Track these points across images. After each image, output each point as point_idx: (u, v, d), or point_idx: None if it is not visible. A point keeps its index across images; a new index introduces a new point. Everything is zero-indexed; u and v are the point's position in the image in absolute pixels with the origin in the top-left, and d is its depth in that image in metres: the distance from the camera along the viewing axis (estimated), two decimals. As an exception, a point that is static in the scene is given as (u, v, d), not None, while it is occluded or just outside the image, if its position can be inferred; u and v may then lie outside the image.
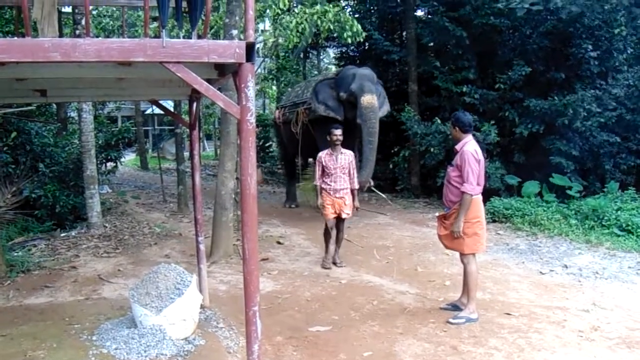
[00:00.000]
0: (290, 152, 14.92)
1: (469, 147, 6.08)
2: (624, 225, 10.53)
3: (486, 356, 5.31)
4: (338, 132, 8.52)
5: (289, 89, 16.07)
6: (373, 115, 11.55)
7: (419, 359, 5.21)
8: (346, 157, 8.56)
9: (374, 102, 11.66)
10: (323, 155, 8.61)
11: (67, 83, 4.96)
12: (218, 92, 3.56)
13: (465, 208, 6.03)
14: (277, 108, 15.27)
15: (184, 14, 4.13)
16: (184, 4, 3.78)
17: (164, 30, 3.24)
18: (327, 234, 8.73)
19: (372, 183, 11.79)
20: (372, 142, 11.44)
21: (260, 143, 22.62)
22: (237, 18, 8.86)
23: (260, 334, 3.60)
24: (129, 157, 26.55)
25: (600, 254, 9.27)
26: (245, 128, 3.39)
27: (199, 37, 3.76)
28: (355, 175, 8.74)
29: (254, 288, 3.54)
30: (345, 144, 11.17)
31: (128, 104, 27.77)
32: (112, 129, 15.12)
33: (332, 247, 8.75)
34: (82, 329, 5.79)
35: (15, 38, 3.91)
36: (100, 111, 15.94)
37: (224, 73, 4.14)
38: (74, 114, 14.54)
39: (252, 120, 3.38)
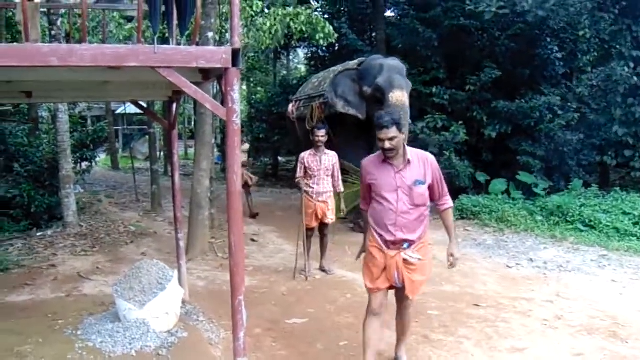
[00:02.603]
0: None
1: (431, 156, 4.75)
2: (587, 221, 10.96)
3: (456, 344, 5.59)
4: (321, 134, 7.98)
5: (308, 81, 14.23)
6: (404, 115, 9.65)
7: (393, 348, 5.45)
8: (330, 158, 8.10)
9: (404, 99, 9.95)
10: (306, 155, 8.13)
11: (54, 85, 5.13)
12: (206, 95, 3.78)
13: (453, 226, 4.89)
14: (291, 101, 13.68)
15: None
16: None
17: (155, 37, 3.45)
18: (307, 241, 8.33)
19: None
20: None
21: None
22: (212, 20, 9.03)
23: (245, 322, 3.83)
24: (100, 157, 26.53)
25: (565, 248, 9.65)
26: (232, 129, 3.60)
27: (178, 43, 3.99)
28: (340, 177, 8.30)
29: (240, 279, 3.77)
30: (368, 148, 9.78)
31: (99, 104, 27.64)
32: (88, 129, 15.16)
33: (308, 259, 8.30)
34: (66, 325, 5.89)
35: (15, 44, 4.07)
36: (71, 111, 15.94)
37: (208, 77, 4.35)
38: (45, 114, 14.54)
39: (238, 121, 3.60)
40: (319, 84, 12.36)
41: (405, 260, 4.52)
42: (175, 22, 3.93)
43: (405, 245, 4.51)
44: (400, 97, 9.86)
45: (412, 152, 4.59)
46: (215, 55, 3.50)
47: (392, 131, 4.37)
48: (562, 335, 5.83)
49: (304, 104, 12.56)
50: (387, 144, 4.39)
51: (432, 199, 4.65)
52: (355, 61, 11.48)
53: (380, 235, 4.59)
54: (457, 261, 4.74)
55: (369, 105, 10.46)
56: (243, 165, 12.80)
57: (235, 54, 3.52)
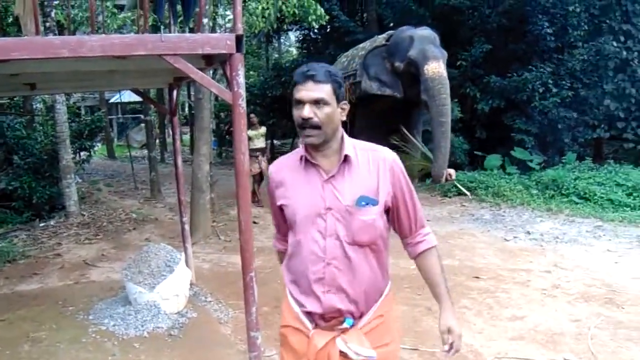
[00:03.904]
0: None
1: (390, 153, 2.47)
2: (581, 193, 11.17)
3: (458, 314, 5.72)
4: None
5: (339, 59, 12.36)
6: (442, 88, 8.62)
7: (399, 320, 5.61)
8: None
9: (441, 70, 8.73)
10: None
11: (59, 76, 5.23)
12: (212, 80, 3.91)
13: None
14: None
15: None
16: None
17: (162, 26, 3.58)
18: None
19: (453, 176, 9.01)
20: (444, 124, 8.59)
21: (227, 128, 22.55)
22: (207, 7, 9.09)
23: (257, 298, 3.98)
24: (96, 147, 26.57)
25: (560, 221, 9.84)
26: (238, 112, 3.74)
27: (190, 30, 4.10)
28: None
29: (249, 256, 3.91)
30: (408, 128, 9.25)
31: (93, 94, 27.63)
32: (85, 119, 15.24)
33: None
34: (77, 310, 6.06)
35: (26, 37, 4.18)
36: (67, 102, 15.99)
37: (211, 62, 4.48)
38: (39, 106, 14.60)
39: (244, 104, 3.73)
40: (348, 64, 10.93)
41: (343, 354, 2.36)
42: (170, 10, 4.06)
43: (346, 323, 2.37)
44: (436, 68, 8.68)
45: (356, 146, 2.45)
46: (220, 42, 3.63)
47: (322, 89, 2.29)
48: (560, 303, 6.01)
49: None
50: (307, 111, 2.28)
51: (399, 233, 2.59)
52: (383, 35, 10.35)
53: (300, 303, 2.49)
54: (459, 340, 2.45)
55: (404, 82, 9.24)
56: (262, 151, 12.67)
57: (239, 39, 3.65)
